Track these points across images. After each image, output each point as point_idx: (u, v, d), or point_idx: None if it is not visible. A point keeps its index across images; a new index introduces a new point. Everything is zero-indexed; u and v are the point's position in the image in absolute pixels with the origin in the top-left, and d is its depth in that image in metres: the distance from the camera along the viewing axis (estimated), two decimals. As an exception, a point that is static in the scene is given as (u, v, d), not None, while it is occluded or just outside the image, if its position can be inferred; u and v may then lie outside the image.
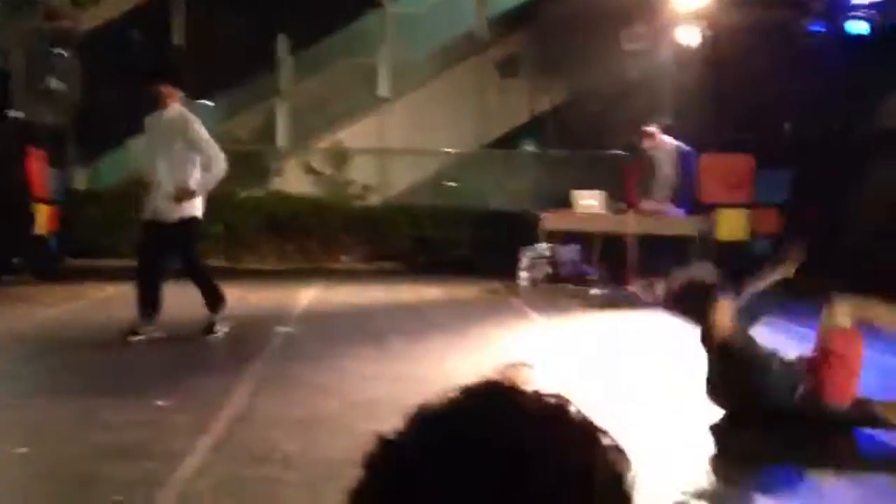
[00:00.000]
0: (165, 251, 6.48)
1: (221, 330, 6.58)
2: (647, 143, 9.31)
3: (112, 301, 8.64)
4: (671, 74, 11.00)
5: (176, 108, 6.49)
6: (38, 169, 10.28)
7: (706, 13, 10.31)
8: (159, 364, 5.87)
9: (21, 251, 10.08)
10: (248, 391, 5.12)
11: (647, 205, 9.19)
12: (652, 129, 9.28)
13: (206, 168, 6.42)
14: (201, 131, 6.43)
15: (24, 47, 10.81)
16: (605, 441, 0.61)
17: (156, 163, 6.46)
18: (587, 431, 0.61)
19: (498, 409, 0.60)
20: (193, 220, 6.48)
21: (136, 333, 6.35)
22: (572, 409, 0.62)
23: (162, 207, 6.40)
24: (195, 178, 6.40)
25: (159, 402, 4.78)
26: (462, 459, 0.56)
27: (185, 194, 6.33)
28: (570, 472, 0.57)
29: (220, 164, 6.43)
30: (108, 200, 11.19)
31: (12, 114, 10.40)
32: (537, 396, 0.62)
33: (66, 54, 11.52)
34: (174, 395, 4.92)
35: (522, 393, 0.62)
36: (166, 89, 6.43)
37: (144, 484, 3.66)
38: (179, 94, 6.58)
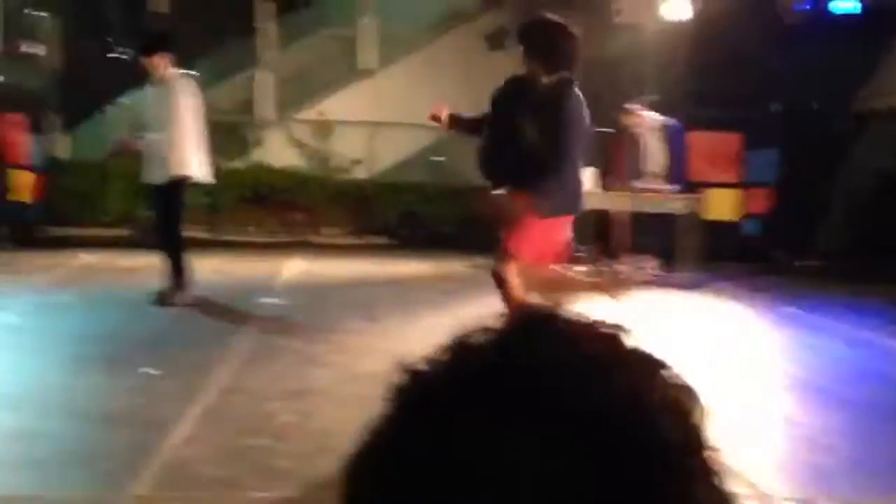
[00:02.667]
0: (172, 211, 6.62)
1: (180, 302, 6.49)
2: (631, 122, 9.24)
3: (91, 269, 8.49)
4: (659, 50, 10.91)
5: (167, 72, 6.57)
6: (16, 135, 10.03)
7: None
8: (145, 332, 5.74)
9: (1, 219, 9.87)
10: (238, 361, 5.03)
11: (638, 184, 9.12)
12: (635, 107, 9.22)
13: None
14: (181, 92, 6.53)
15: (1, 9, 10.50)
16: (668, 374, 0.53)
17: (154, 130, 6.62)
18: (646, 362, 0.53)
19: (545, 336, 0.52)
20: (182, 179, 6.54)
21: (172, 298, 6.46)
22: (628, 338, 0.54)
23: (156, 170, 6.56)
24: (177, 136, 6.48)
25: (147, 371, 4.68)
26: (503, 392, 0.49)
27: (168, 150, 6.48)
28: (625, 402, 0.49)
29: (180, 127, 6.48)
30: (92, 168, 10.95)
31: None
32: (589, 324, 0.54)
33: (45, 16, 11.23)
34: (162, 364, 4.81)
35: (572, 321, 0.54)
36: (156, 60, 6.52)
37: (133, 451, 3.57)
38: (164, 58, 6.58)
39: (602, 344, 0.52)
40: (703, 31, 10.19)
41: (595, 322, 0.54)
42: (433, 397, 0.51)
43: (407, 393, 0.52)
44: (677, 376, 0.53)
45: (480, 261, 9.65)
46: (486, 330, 0.53)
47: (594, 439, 0.48)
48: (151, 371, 4.68)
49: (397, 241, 11.26)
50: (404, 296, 7.55)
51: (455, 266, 9.51)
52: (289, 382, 4.64)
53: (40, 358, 4.94)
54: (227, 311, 6.49)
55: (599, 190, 9.24)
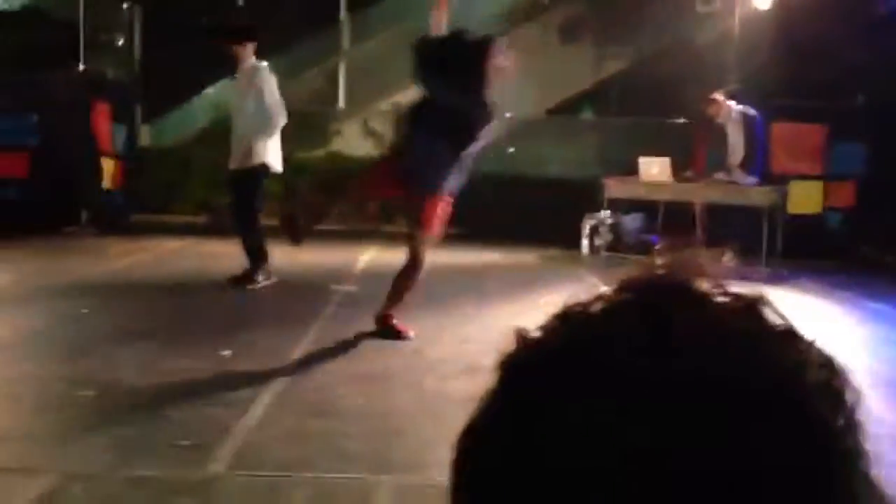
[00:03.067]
0: (246, 197, 6.74)
1: (261, 283, 6.67)
2: (713, 112, 9.02)
3: (174, 255, 8.73)
4: (742, 39, 10.63)
5: (250, 61, 6.71)
6: (104, 123, 10.36)
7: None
8: (222, 316, 5.88)
9: (87, 204, 10.20)
10: (311, 345, 5.10)
11: (718, 175, 8.91)
12: (718, 96, 8.99)
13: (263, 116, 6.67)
14: (266, 81, 6.61)
15: (89, 0, 10.85)
16: (818, 351, 0.47)
17: (236, 116, 6.81)
18: (795, 336, 0.47)
19: (672, 306, 0.47)
20: (258, 167, 6.67)
21: (249, 282, 6.60)
22: (768, 308, 0.48)
23: (234, 157, 6.73)
24: (258, 127, 6.60)
25: (223, 353, 4.78)
26: (615, 368, 0.44)
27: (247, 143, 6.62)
28: (772, 378, 0.45)
29: (272, 115, 6.57)
30: (173, 157, 11.25)
31: (78, 66, 10.49)
32: (720, 289, 0.48)
33: (131, 8, 11.56)
34: (237, 347, 4.91)
35: (700, 286, 0.48)
36: (239, 47, 6.67)
37: (209, 430, 3.65)
38: (251, 46, 6.71)
39: (742, 315, 0.47)
40: (788, 20, 9.89)
41: (735, 292, 0.48)
42: (526, 369, 0.48)
43: (506, 363, 0.49)
44: (826, 353, 0.48)
45: (551, 253, 9.63)
46: (603, 296, 0.49)
47: (720, 415, 0.43)
48: (228, 353, 4.79)
49: (469, 231, 11.26)
50: (475, 285, 7.54)
51: (525, 256, 9.47)
52: (360, 367, 4.69)
53: (120, 339, 5.10)
54: (302, 297, 6.59)
55: (675, 180, 9.07)
